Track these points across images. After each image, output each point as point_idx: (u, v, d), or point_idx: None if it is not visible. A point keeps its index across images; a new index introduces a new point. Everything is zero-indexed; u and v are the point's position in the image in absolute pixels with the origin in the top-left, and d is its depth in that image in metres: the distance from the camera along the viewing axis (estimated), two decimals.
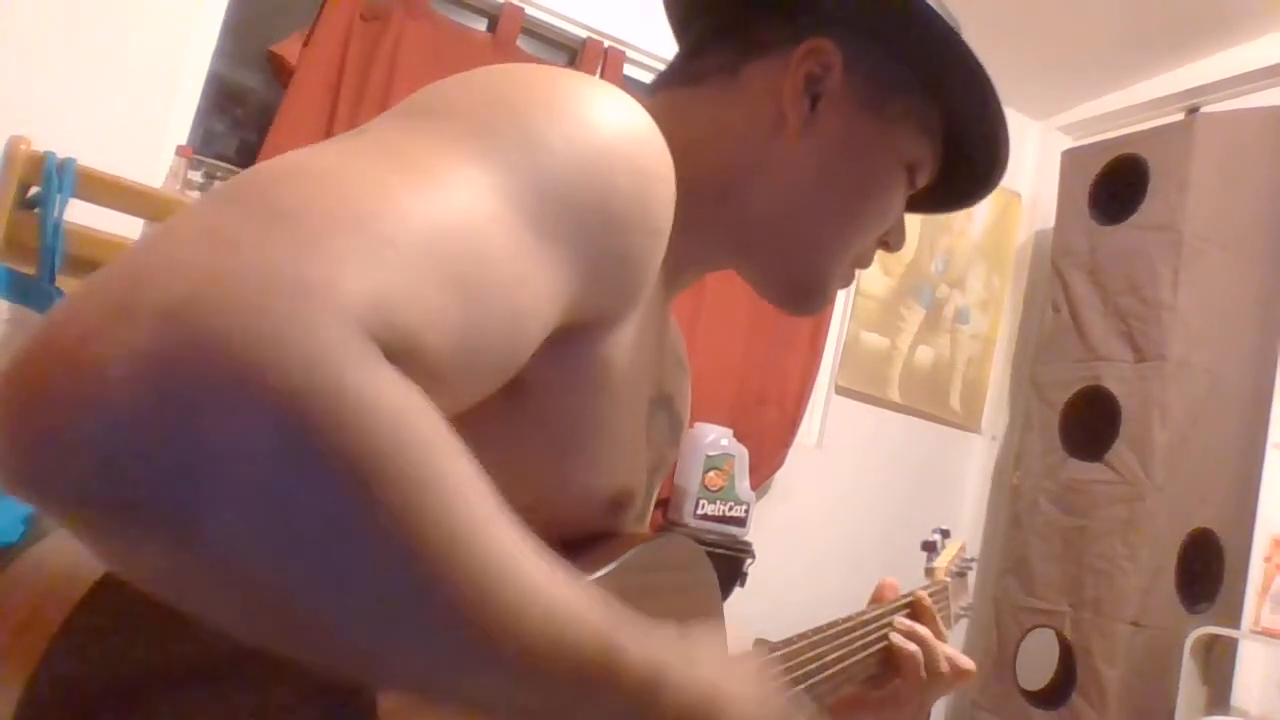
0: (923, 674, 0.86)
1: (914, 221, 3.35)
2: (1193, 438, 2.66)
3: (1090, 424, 2.84)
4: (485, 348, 0.40)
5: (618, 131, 0.48)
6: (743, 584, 2.76)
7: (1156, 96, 3.23)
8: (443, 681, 0.36)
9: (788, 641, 0.74)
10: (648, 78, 2.99)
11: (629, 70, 2.97)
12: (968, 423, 3.57)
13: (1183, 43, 3.03)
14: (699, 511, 2.78)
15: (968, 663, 0.88)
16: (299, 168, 0.37)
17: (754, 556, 2.79)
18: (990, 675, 2.97)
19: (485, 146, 0.42)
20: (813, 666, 0.75)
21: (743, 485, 2.84)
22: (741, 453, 2.87)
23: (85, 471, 0.29)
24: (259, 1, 2.66)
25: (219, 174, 2.33)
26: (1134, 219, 2.88)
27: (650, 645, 0.42)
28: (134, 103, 2.33)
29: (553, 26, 2.94)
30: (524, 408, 0.51)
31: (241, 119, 2.72)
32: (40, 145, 1.82)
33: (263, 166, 0.38)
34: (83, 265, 1.67)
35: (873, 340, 3.39)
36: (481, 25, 2.91)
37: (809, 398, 3.20)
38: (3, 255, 1.73)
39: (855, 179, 0.69)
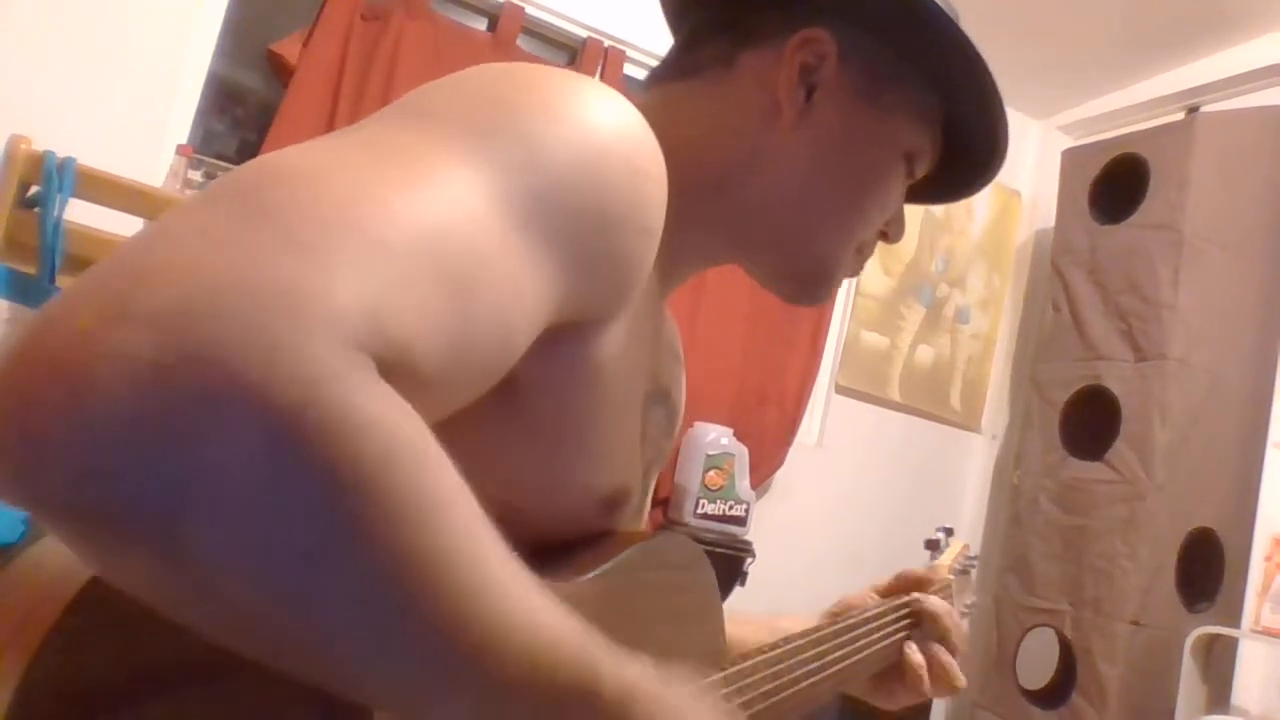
0: (926, 688, 0.87)
1: (914, 221, 3.33)
2: (1193, 437, 2.66)
3: (1090, 423, 2.84)
4: (476, 351, 0.40)
5: (610, 131, 0.48)
6: (743, 583, 2.76)
7: (1156, 96, 3.23)
8: (419, 703, 0.36)
9: (788, 639, 0.74)
10: None
11: (629, 70, 2.96)
12: (968, 422, 3.57)
13: (1183, 43, 3.03)
14: (699, 510, 2.78)
15: (961, 681, 0.89)
16: (291, 167, 0.37)
17: (754, 556, 2.79)
18: (990, 674, 2.97)
19: (477, 147, 0.42)
20: (813, 666, 0.75)
21: (743, 484, 2.84)
22: (741, 452, 2.87)
23: (71, 479, 0.29)
24: (259, 1, 2.66)
25: (219, 174, 2.33)
26: (1134, 218, 2.88)
27: (625, 675, 0.42)
28: (134, 103, 2.33)
29: (553, 26, 2.94)
30: (517, 407, 0.51)
31: (241, 119, 2.72)
32: (40, 145, 1.82)
33: (254, 165, 0.37)
34: (83, 265, 1.67)
35: (873, 339, 3.39)
36: (481, 25, 2.91)
37: (809, 397, 3.20)
38: (3, 255, 1.73)
39: (853, 169, 0.68)
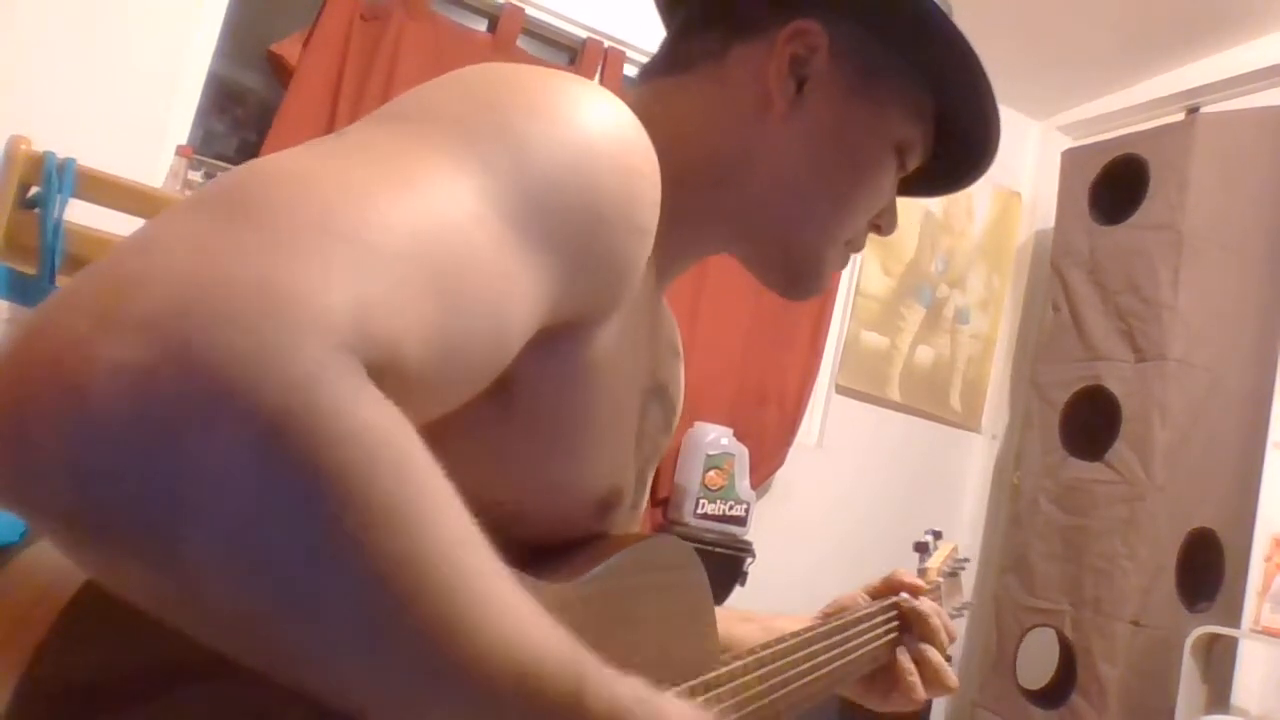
0: (918, 692, 0.88)
1: (914, 221, 3.30)
2: (1193, 437, 2.66)
3: (1090, 423, 2.84)
4: (467, 354, 0.40)
5: (602, 130, 0.48)
6: (743, 583, 2.76)
7: (1156, 96, 3.23)
8: (406, 711, 0.36)
9: (780, 639, 0.74)
10: None
11: (629, 71, 2.97)
12: (968, 422, 3.57)
13: (1183, 43, 3.03)
14: (699, 510, 2.78)
15: (953, 682, 0.89)
16: (281, 171, 0.37)
17: (754, 556, 2.79)
18: (990, 674, 2.97)
19: (468, 148, 0.42)
20: (804, 667, 0.75)
21: (743, 484, 2.85)
22: (741, 452, 2.87)
23: (63, 486, 0.29)
24: (259, 1, 2.66)
25: (218, 174, 2.33)
26: (1134, 219, 2.88)
27: (613, 689, 0.42)
28: (134, 103, 2.34)
29: (553, 26, 2.94)
30: (511, 408, 0.51)
31: (241, 119, 2.73)
32: (40, 145, 1.82)
33: (244, 169, 0.37)
34: (82, 265, 1.67)
35: (873, 340, 3.39)
36: (481, 25, 2.91)
37: (809, 397, 3.20)
38: (3, 255, 1.73)
39: (844, 161, 0.68)
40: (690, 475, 2.80)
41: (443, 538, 0.34)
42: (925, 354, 3.49)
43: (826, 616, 0.86)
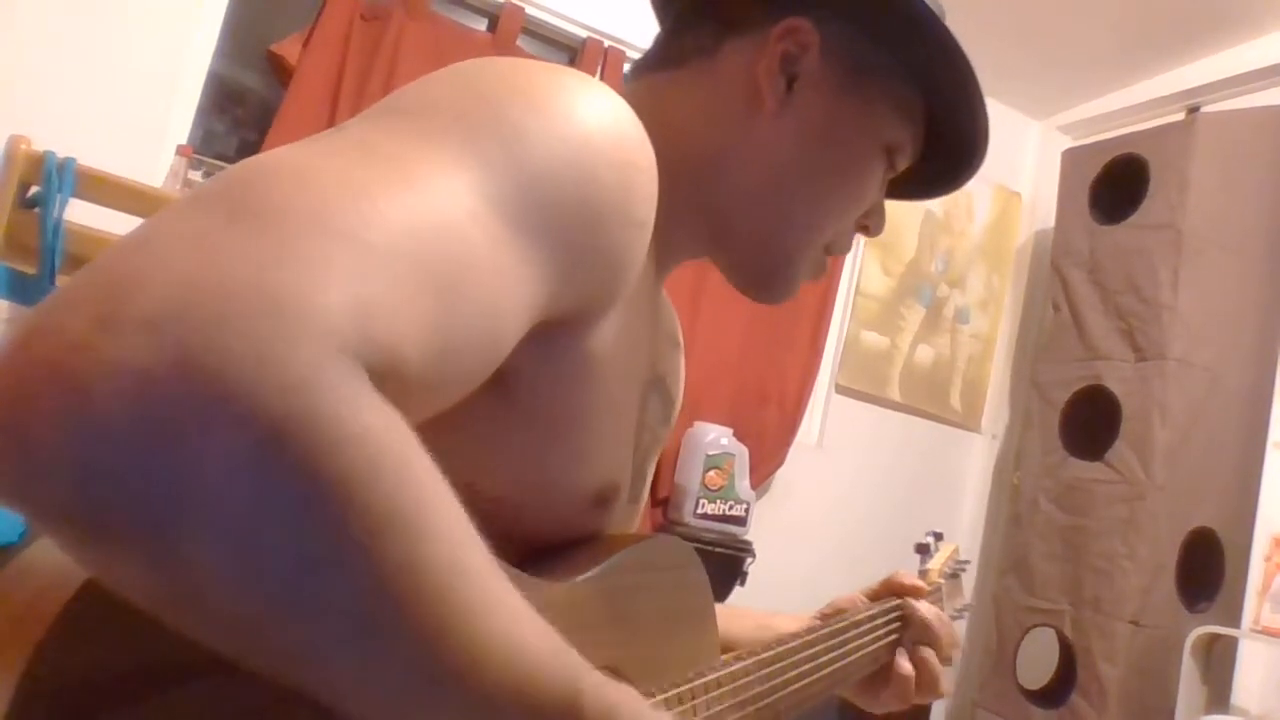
0: (909, 698, 0.89)
1: (914, 221, 3.30)
2: (1193, 437, 2.66)
3: (1090, 423, 2.84)
4: (464, 351, 0.40)
5: (598, 124, 0.48)
6: (743, 583, 2.77)
7: (1156, 96, 3.23)
8: (401, 716, 0.36)
9: (780, 640, 0.74)
10: None
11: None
12: (968, 422, 3.57)
13: (1183, 43, 3.03)
14: (699, 510, 2.78)
15: (944, 690, 0.90)
16: (278, 170, 0.37)
17: (754, 556, 2.79)
18: (990, 674, 2.97)
19: (464, 144, 0.42)
20: (805, 668, 0.75)
21: (743, 484, 2.85)
22: (741, 452, 2.87)
23: (63, 487, 0.29)
24: (259, 1, 2.66)
25: (217, 173, 2.33)
26: (1134, 219, 2.88)
27: (608, 697, 0.42)
28: (134, 103, 2.34)
29: (553, 26, 2.94)
30: (509, 403, 0.51)
31: (241, 119, 2.73)
32: (40, 145, 1.82)
33: (241, 167, 0.37)
34: (82, 265, 1.68)
35: (873, 339, 3.39)
36: (481, 25, 2.91)
37: (809, 397, 3.20)
38: (3, 255, 1.73)
39: (832, 159, 0.68)
40: (690, 475, 2.80)
41: (442, 543, 0.34)
42: (925, 354, 3.49)
43: (825, 618, 0.86)
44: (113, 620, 0.34)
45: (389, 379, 0.34)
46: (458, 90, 0.46)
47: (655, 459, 0.77)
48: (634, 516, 0.73)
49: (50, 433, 0.29)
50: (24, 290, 1.69)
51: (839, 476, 3.29)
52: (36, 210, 1.76)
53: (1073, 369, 2.97)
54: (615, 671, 0.55)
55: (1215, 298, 2.73)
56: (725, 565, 2.71)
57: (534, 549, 0.56)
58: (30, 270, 1.72)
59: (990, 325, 3.64)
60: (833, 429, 3.31)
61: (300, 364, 0.30)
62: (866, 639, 0.85)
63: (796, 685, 0.73)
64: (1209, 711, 2.56)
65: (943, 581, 1.02)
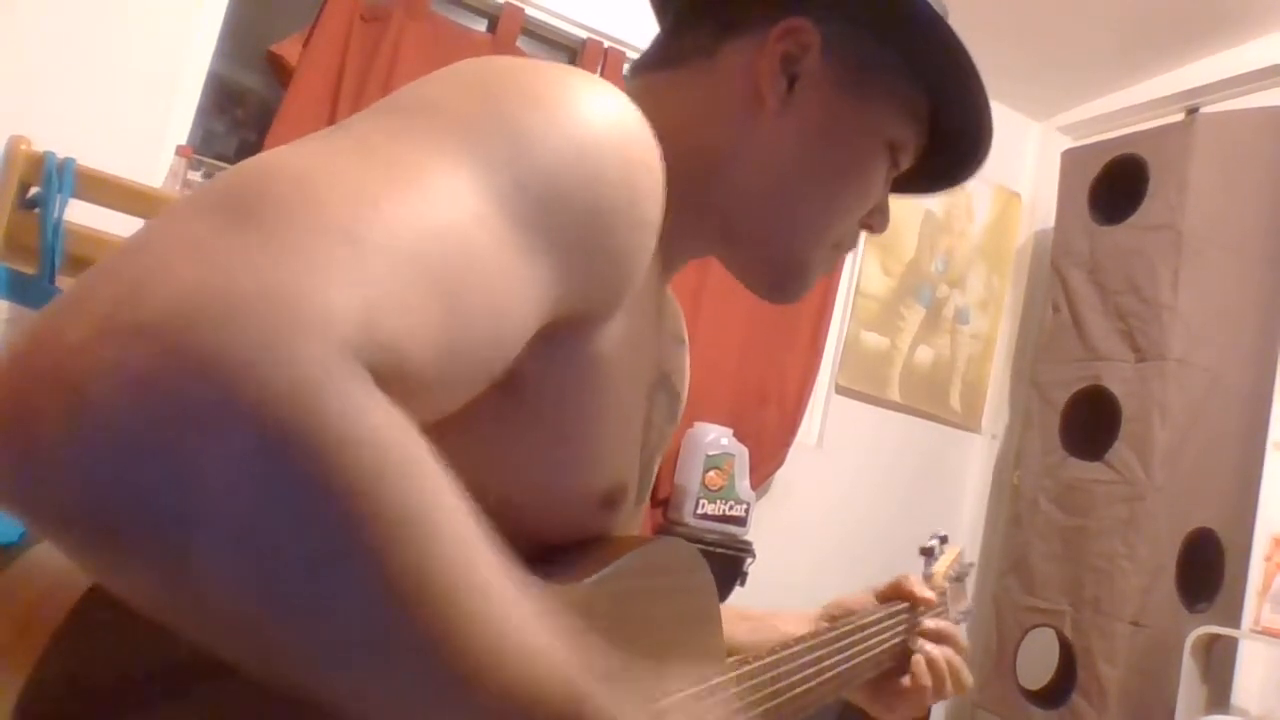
0: (927, 700, 0.89)
1: (914, 221, 3.30)
2: (1193, 438, 2.66)
3: (1090, 424, 2.84)
4: (470, 353, 0.39)
5: (604, 123, 0.47)
6: (743, 583, 2.76)
7: (1156, 96, 3.23)
8: (407, 718, 0.36)
9: (786, 644, 0.74)
10: None
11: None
12: (968, 422, 3.57)
13: (1183, 43, 3.03)
14: (699, 511, 2.78)
15: (968, 678, 0.92)
16: (280, 171, 0.37)
17: (754, 556, 2.79)
18: (990, 675, 2.97)
19: (468, 144, 0.42)
20: (811, 671, 0.75)
21: (743, 485, 2.84)
22: (741, 452, 2.87)
23: (67, 493, 0.29)
24: (259, 1, 2.66)
25: (217, 173, 2.33)
26: (1134, 219, 2.88)
27: (615, 707, 0.42)
28: (134, 103, 2.33)
29: (553, 27, 2.94)
30: (516, 405, 0.51)
31: (241, 119, 2.72)
32: (40, 145, 1.82)
33: (242, 169, 0.37)
34: (83, 265, 1.67)
35: (873, 340, 3.39)
36: (481, 26, 2.91)
37: (809, 397, 3.20)
38: (3, 255, 1.73)
39: (835, 159, 0.68)
40: (690, 475, 2.80)
41: (451, 544, 0.34)
42: (925, 354, 3.49)
43: (833, 618, 0.86)
44: (119, 623, 0.34)
45: (394, 380, 0.34)
46: (460, 90, 0.46)
47: (661, 458, 0.77)
48: (638, 516, 0.73)
49: (53, 439, 0.29)
50: (24, 291, 1.68)
51: (839, 477, 3.29)
52: (36, 211, 1.76)
53: (1073, 369, 2.97)
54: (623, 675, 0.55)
55: (1215, 298, 2.73)
56: (725, 566, 2.71)
57: (540, 551, 0.56)
58: (30, 271, 1.72)
59: (990, 325, 3.64)
60: (833, 429, 3.31)
61: (306, 365, 0.30)
62: (873, 641, 0.85)
63: (801, 689, 0.73)
64: (1209, 712, 2.56)
65: (948, 585, 1.02)
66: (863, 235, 0.75)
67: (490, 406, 0.46)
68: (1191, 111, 3.11)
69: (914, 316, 3.47)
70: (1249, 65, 2.95)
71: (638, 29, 2.93)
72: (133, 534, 0.29)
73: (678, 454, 2.87)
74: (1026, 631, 2.88)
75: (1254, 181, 2.82)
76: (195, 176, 2.34)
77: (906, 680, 0.89)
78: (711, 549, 2.67)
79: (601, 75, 2.89)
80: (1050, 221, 3.33)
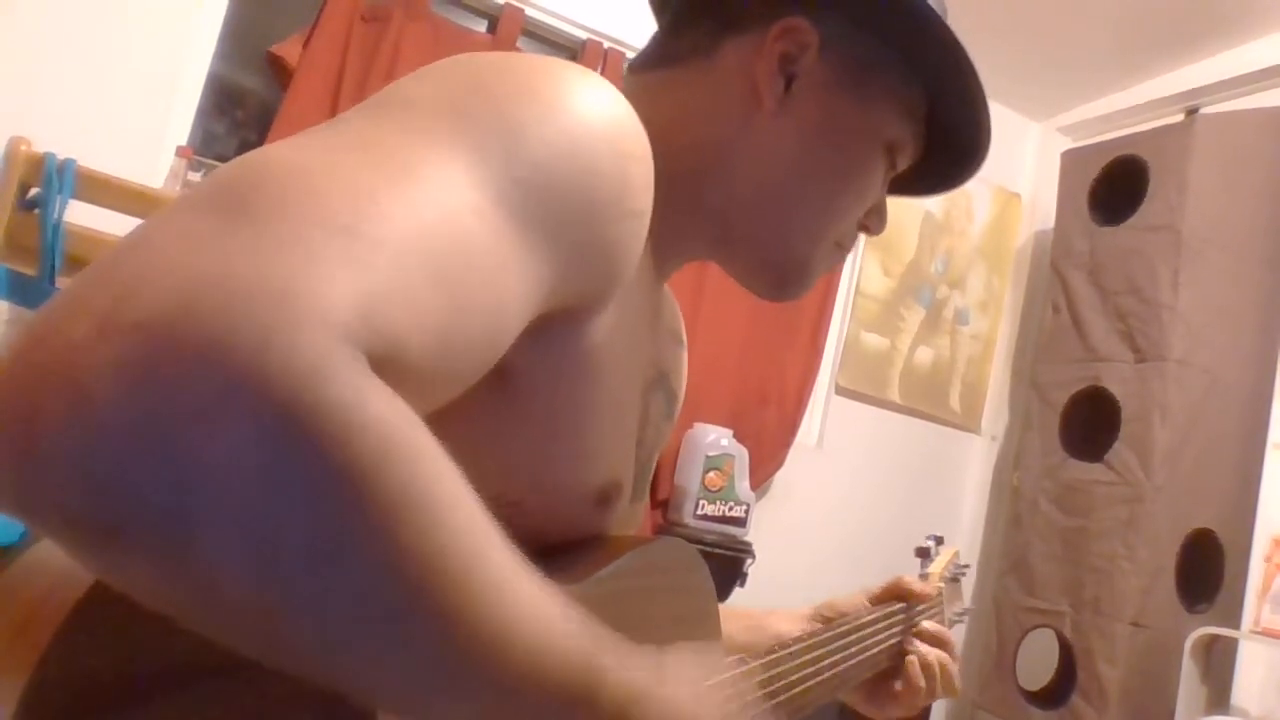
0: (921, 700, 0.89)
1: (914, 222, 3.30)
2: (1193, 438, 2.66)
3: (1090, 424, 2.84)
4: (466, 343, 0.40)
5: (593, 116, 0.47)
6: (743, 584, 2.76)
7: (1156, 97, 3.23)
8: (424, 703, 0.36)
9: (783, 645, 0.74)
10: None
11: None
12: (968, 423, 3.57)
13: (1183, 43, 3.03)
14: (699, 511, 2.78)
15: (958, 683, 0.92)
16: (275, 165, 0.37)
17: (754, 556, 2.79)
18: (990, 675, 2.97)
19: (461, 137, 0.42)
20: (808, 671, 0.75)
21: (743, 485, 2.84)
22: (741, 453, 2.87)
23: (69, 492, 0.29)
24: (259, 2, 2.66)
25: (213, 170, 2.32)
26: (1134, 220, 2.88)
27: (629, 671, 0.42)
28: (134, 103, 2.33)
29: (553, 27, 2.94)
30: (509, 399, 0.51)
31: (241, 120, 2.73)
32: (40, 145, 1.82)
33: (236, 165, 0.37)
34: (82, 266, 1.67)
35: (873, 340, 3.39)
36: (481, 26, 2.91)
37: (809, 398, 3.20)
38: (3, 255, 1.73)
39: (833, 159, 0.68)
40: (690, 476, 2.80)
41: (456, 527, 0.34)
42: (925, 355, 3.49)
43: (825, 619, 0.86)
44: (119, 622, 0.34)
45: (392, 369, 0.34)
46: (454, 83, 0.46)
47: (658, 455, 0.77)
48: (636, 517, 0.73)
49: (54, 439, 0.29)
50: (24, 292, 1.68)
51: (839, 477, 3.29)
52: (36, 211, 1.76)
53: (1072, 370, 2.97)
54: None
55: (1215, 298, 2.73)
56: (725, 566, 2.71)
57: (538, 551, 0.56)
58: (30, 271, 1.72)
59: (990, 326, 3.64)
60: (833, 430, 3.31)
61: (305, 354, 0.30)
62: (869, 642, 0.85)
63: (798, 689, 0.73)
64: (1209, 712, 2.57)
65: (943, 585, 1.03)
66: (861, 236, 0.75)
67: (483, 401, 0.46)
68: (1191, 112, 3.11)
69: (914, 317, 3.47)
70: (1249, 65, 2.95)
71: (638, 29, 2.93)
72: (137, 528, 0.29)
73: (678, 455, 2.87)
74: (1026, 632, 2.88)
75: (1254, 182, 2.82)
76: (195, 177, 2.35)
77: (899, 684, 0.89)
78: (711, 550, 2.67)
79: (601, 75, 2.91)
80: (1050, 222, 3.33)
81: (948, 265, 3.53)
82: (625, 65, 2.93)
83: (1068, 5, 2.95)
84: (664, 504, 2.88)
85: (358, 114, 0.44)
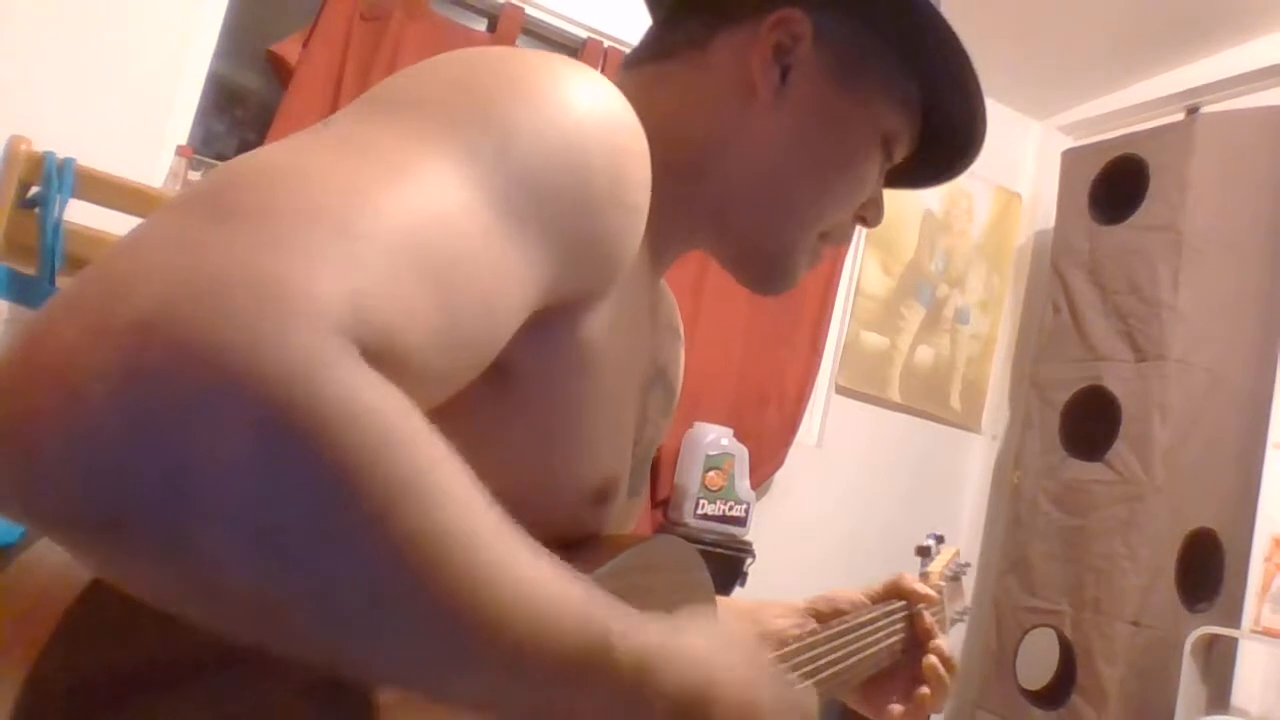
0: (929, 704, 0.89)
1: (914, 221, 3.30)
2: (1193, 437, 2.66)
3: (1090, 424, 2.84)
4: (461, 340, 0.40)
5: (589, 109, 0.47)
6: (743, 584, 2.76)
7: (1156, 96, 3.23)
8: (435, 681, 0.36)
9: (784, 643, 0.74)
10: None
11: None
12: (968, 422, 3.57)
13: (1183, 43, 3.03)
14: (699, 511, 2.78)
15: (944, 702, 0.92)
16: (269, 167, 0.37)
17: (754, 556, 2.79)
18: (990, 675, 2.97)
19: (454, 133, 0.42)
20: (808, 670, 0.75)
21: (743, 485, 2.84)
22: (741, 452, 2.87)
23: (69, 492, 0.29)
24: (259, 1, 2.66)
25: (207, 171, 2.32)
26: (1134, 219, 2.88)
27: (641, 632, 0.42)
28: (134, 103, 2.33)
29: (553, 26, 2.94)
30: (506, 397, 0.51)
31: (241, 119, 2.73)
32: (40, 145, 1.82)
33: (232, 166, 0.38)
34: (82, 265, 1.67)
35: (873, 340, 3.39)
36: (481, 26, 2.91)
37: (809, 397, 3.20)
38: (3, 255, 1.73)
39: (828, 150, 0.68)
40: (690, 476, 2.80)
41: (454, 509, 0.35)
42: (925, 354, 3.49)
43: (819, 612, 0.86)
44: (118, 620, 0.34)
45: (384, 363, 0.34)
46: (446, 80, 0.46)
47: (656, 448, 0.77)
48: (634, 513, 0.73)
49: (52, 440, 0.29)
50: (24, 291, 1.69)
51: (839, 477, 3.29)
52: (36, 211, 1.76)
53: (1072, 369, 2.97)
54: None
55: (1215, 298, 2.73)
56: (725, 566, 2.71)
57: None
58: (30, 271, 1.72)
59: (990, 325, 3.64)
60: (833, 429, 3.31)
61: (298, 348, 0.30)
62: (869, 641, 0.85)
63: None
64: (1209, 712, 2.57)
65: (944, 584, 1.02)
66: (863, 234, 0.75)
67: (479, 398, 0.46)
68: (1192, 111, 3.10)
69: (914, 316, 3.47)
70: (1249, 65, 2.95)
71: (638, 28, 2.92)
72: (138, 526, 0.29)
73: (678, 454, 2.87)
74: (1026, 632, 2.88)
75: (1254, 181, 2.82)
76: (195, 176, 2.35)
77: (923, 690, 0.89)
78: (711, 549, 2.67)
79: (601, 74, 2.91)
80: (1050, 221, 3.33)
81: (948, 264, 3.53)
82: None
83: (1068, 5, 2.95)
84: (664, 503, 2.88)
85: (350, 113, 0.44)
